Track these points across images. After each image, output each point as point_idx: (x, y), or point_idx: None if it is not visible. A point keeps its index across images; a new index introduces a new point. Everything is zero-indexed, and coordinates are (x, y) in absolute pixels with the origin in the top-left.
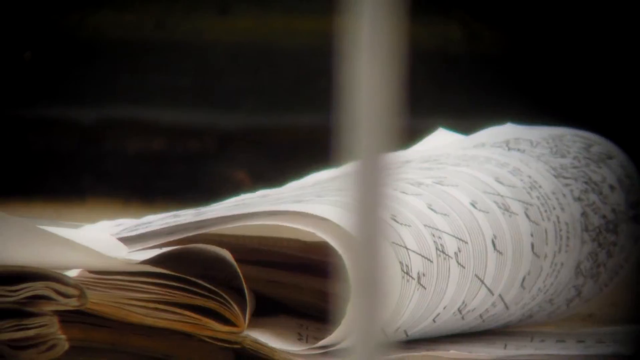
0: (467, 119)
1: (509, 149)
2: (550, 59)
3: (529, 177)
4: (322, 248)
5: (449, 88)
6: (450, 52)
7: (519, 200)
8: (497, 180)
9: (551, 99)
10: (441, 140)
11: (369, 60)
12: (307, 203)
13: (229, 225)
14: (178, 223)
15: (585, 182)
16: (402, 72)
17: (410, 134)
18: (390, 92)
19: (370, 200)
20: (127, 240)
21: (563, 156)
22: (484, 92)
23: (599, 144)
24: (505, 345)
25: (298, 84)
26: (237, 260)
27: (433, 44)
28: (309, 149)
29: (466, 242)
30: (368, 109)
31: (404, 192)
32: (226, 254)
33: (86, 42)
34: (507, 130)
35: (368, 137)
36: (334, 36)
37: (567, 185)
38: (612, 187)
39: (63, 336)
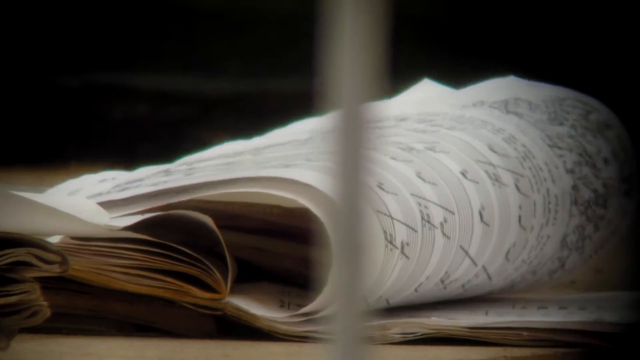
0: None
1: (507, 111)
2: (543, 21)
3: (524, 146)
4: (305, 215)
5: (434, 50)
6: (434, 15)
7: (511, 171)
8: (491, 148)
9: (546, 62)
10: (427, 92)
11: (352, 22)
12: (292, 168)
13: (212, 192)
14: (162, 187)
15: (580, 154)
16: (385, 34)
17: (399, 88)
18: (374, 54)
19: (353, 165)
20: (109, 205)
21: (561, 124)
22: (466, 55)
23: (598, 111)
24: (487, 312)
25: (282, 49)
26: (219, 226)
27: (417, 7)
28: (293, 113)
29: (453, 213)
30: (352, 71)
31: (394, 158)
32: (208, 220)
33: (69, 7)
34: (508, 86)
35: (351, 100)
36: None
37: (560, 156)
38: (606, 160)
39: (45, 302)
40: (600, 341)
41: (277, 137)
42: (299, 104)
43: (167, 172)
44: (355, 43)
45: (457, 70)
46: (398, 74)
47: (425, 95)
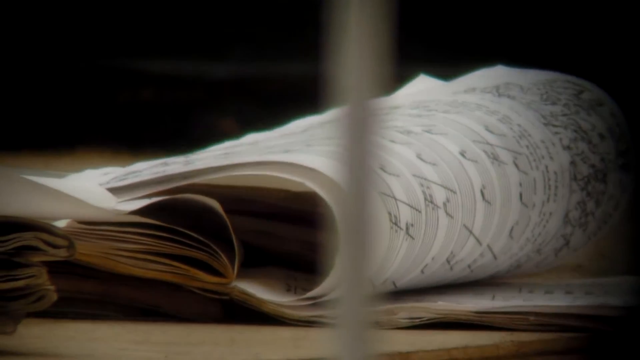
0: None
1: (500, 95)
2: (539, 6)
3: (519, 125)
4: (311, 198)
5: (438, 36)
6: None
7: (508, 150)
8: (487, 128)
9: (541, 46)
10: (424, 86)
11: (358, 9)
12: (296, 153)
13: (218, 175)
14: (167, 173)
15: (575, 131)
16: (391, 21)
17: (398, 82)
18: (378, 41)
19: (359, 150)
20: (115, 190)
21: (553, 103)
22: (472, 39)
23: (590, 90)
24: (494, 297)
25: (288, 33)
26: (226, 210)
27: None
28: (299, 98)
29: (455, 192)
30: (357, 57)
31: (393, 141)
32: (215, 204)
33: None
34: (497, 74)
35: (356, 86)
36: None
37: (556, 133)
38: (601, 136)
39: (52, 287)
40: (606, 326)
41: (274, 132)
42: (304, 88)
43: (165, 164)
44: (361, 29)
45: (454, 61)
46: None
47: (419, 88)
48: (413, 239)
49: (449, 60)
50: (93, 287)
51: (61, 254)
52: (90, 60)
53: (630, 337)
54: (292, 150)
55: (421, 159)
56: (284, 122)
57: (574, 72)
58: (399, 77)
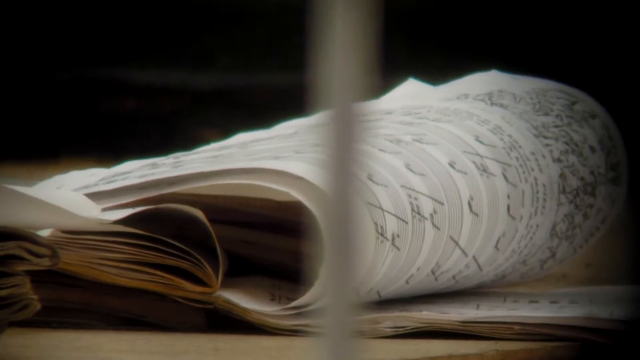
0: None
1: (492, 103)
2: (531, 14)
3: (510, 136)
4: (296, 208)
5: (423, 44)
6: (424, 8)
7: (498, 161)
8: (477, 139)
9: (532, 55)
10: (412, 90)
11: (343, 16)
12: (283, 160)
13: (203, 184)
14: (154, 177)
15: (566, 143)
16: (376, 29)
17: (384, 90)
18: (364, 49)
19: (344, 158)
20: (101, 195)
21: (546, 114)
22: (460, 48)
23: (583, 101)
24: (478, 306)
25: (272, 42)
26: (210, 220)
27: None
28: (284, 107)
29: (442, 204)
30: (342, 65)
31: (382, 150)
32: (199, 213)
33: (58, 2)
34: (491, 79)
35: (341, 94)
36: None
37: (547, 145)
38: (592, 149)
39: (35, 296)
40: (592, 335)
41: (264, 133)
42: (289, 97)
43: (154, 165)
44: (346, 36)
45: (445, 64)
46: (387, 68)
47: (410, 92)
48: (399, 249)
49: (439, 65)
50: (77, 296)
51: (44, 263)
52: (75, 69)
53: (617, 347)
54: (281, 157)
55: (410, 170)
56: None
57: (568, 79)
58: (386, 83)
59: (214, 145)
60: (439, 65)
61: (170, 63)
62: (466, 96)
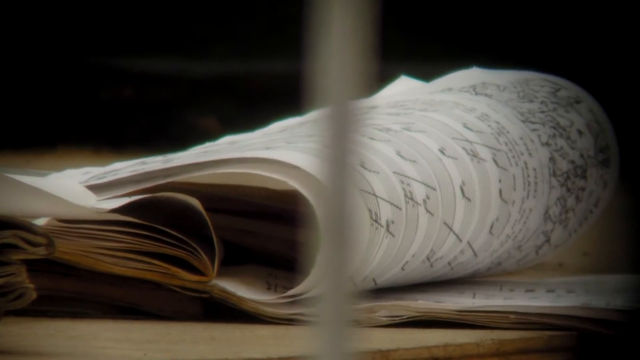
0: (436, 65)
1: (477, 93)
2: (518, 6)
3: (497, 122)
4: (293, 196)
5: (420, 34)
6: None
7: (487, 146)
8: (465, 126)
9: (520, 44)
10: (403, 87)
11: (340, 7)
12: (277, 150)
13: (199, 173)
14: (146, 170)
15: (553, 127)
16: (373, 19)
17: (380, 80)
18: (360, 39)
19: (340, 147)
20: (95, 188)
21: (530, 101)
22: (453, 38)
23: (567, 88)
24: (474, 295)
25: (270, 31)
26: (207, 209)
27: None
28: (281, 96)
29: (435, 189)
30: (339, 55)
31: (372, 139)
32: (195, 202)
33: None
34: (473, 75)
35: (338, 84)
36: None
37: (534, 130)
38: (580, 132)
39: (31, 285)
40: (588, 325)
41: (252, 134)
42: (286, 87)
43: (143, 163)
44: (344, 25)
45: (440, 56)
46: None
47: (401, 90)
48: (393, 236)
49: (430, 58)
50: (72, 285)
51: (40, 252)
52: (72, 58)
53: (614, 337)
54: (272, 147)
55: (401, 156)
56: (266, 120)
57: (552, 70)
58: (381, 75)
59: (203, 145)
60: (434, 58)
61: (168, 51)
62: (450, 89)
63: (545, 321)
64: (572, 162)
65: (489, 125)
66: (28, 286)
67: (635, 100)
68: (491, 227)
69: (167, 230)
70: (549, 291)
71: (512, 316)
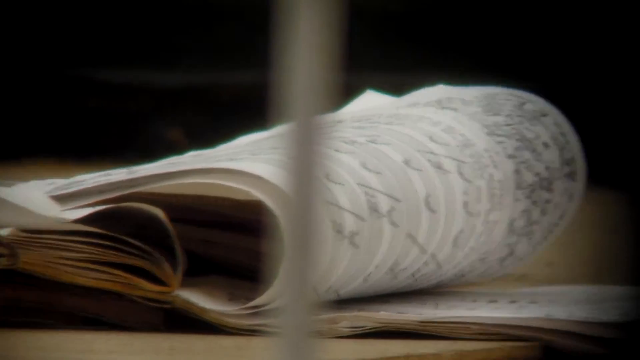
0: (405, 76)
1: (442, 107)
2: (488, 17)
3: (462, 135)
4: (257, 207)
5: (388, 46)
6: (390, 9)
7: (452, 158)
8: (431, 138)
9: (488, 57)
10: (370, 102)
11: (307, 18)
12: (242, 161)
13: (163, 184)
14: (110, 181)
15: (519, 140)
16: (340, 30)
17: (348, 91)
18: (327, 51)
19: (305, 159)
20: (59, 199)
21: (496, 114)
22: (422, 49)
23: (532, 101)
24: (437, 306)
25: (237, 42)
26: (170, 219)
27: (373, 1)
28: (248, 107)
29: (399, 201)
30: (305, 67)
31: (337, 151)
32: (159, 212)
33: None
34: (439, 90)
35: (304, 96)
36: None
37: (500, 142)
38: (545, 145)
39: None
40: (551, 335)
41: (218, 148)
42: (254, 98)
43: (108, 175)
44: (310, 35)
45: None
46: (353, 69)
47: (367, 104)
48: (357, 247)
49: (399, 70)
50: (35, 295)
51: (3, 263)
52: (37, 70)
53: (579, 349)
54: (237, 159)
55: (366, 168)
56: (232, 132)
57: (518, 83)
58: (349, 86)
59: (168, 159)
60: (403, 69)
61: (134, 62)
62: (416, 104)
63: (507, 332)
64: (538, 174)
65: (454, 138)
66: None
67: (597, 106)
68: (455, 239)
69: (130, 240)
70: (512, 302)
71: (474, 327)
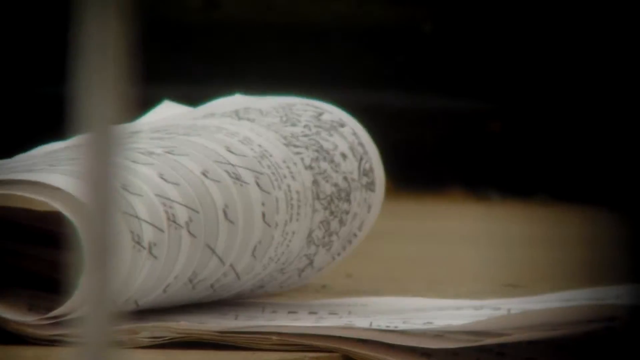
0: (200, 87)
1: (239, 118)
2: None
3: (260, 146)
4: (56, 218)
5: (185, 56)
6: (187, 20)
7: (250, 170)
8: (228, 149)
9: (284, 67)
10: (167, 112)
11: (101, 30)
12: (40, 172)
13: None
14: None
15: (317, 151)
16: (134, 42)
17: (143, 103)
18: (122, 62)
19: (102, 170)
20: None
21: (293, 125)
22: (219, 60)
23: (330, 112)
24: (237, 316)
25: (34, 53)
26: None
27: (170, 13)
28: (45, 118)
29: (197, 212)
30: (101, 78)
31: (135, 162)
32: None
33: None
34: (236, 101)
35: (100, 106)
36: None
37: (297, 153)
38: (343, 155)
39: None
40: (351, 346)
41: (14, 158)
42: (50, 109)
43: None
44: (104, 50)
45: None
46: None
47: (164, 114)
48: (156, 258)
49: (195, 81)
50: None
51: None
52: None
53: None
54: (35, 170)
55: (164, 179)
56: (30, 143)
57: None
58: (144, 97)
59: None
60: (198, 81)
61: None
62: (212, 115)
63: (307, 342)
64: (336, 185)
65: (252, 149)
66: None
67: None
68: (254, 250)
69: None
70: (311, 313)
71: (274, 337)
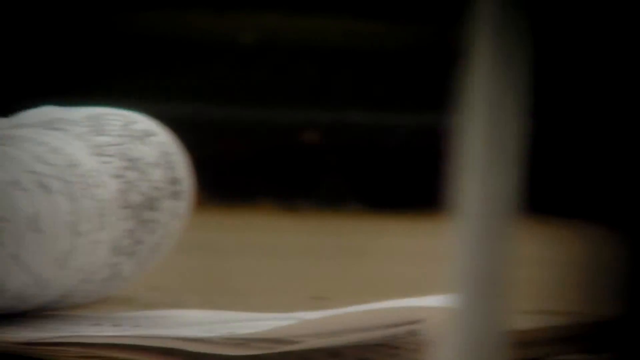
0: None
1: (50, 128)
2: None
3: (68, 155)
4: None
5: None
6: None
7: (59, 179)
8: (37, 159)
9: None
10: None
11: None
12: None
13: None
14: None
15: (125, 160)
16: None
17: None
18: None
19: None
20: None
21: (102, 134)
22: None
23: (140, 122)
24: (42, 327)
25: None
26: None
27: None
28: None
29: (7, 221)
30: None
31: None
32: None
33: None
34: (46, 112)
35: None
36: None
37: (105, 162)
38: (152, 165)
39: None
40: (155, 357)
41: None
42: None
43: None
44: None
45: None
46: None
47: None
48: None
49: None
50: None
51: None
52: None
53: None
54: None
55: None
56: None
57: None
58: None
59: None
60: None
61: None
62: (21, 125)
63: (109, 354)
64: (144, 194)
65: (61, 158)
66: None
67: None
68: (61, 259)
69: None
70: (115, 325)
71: (75, 349)
